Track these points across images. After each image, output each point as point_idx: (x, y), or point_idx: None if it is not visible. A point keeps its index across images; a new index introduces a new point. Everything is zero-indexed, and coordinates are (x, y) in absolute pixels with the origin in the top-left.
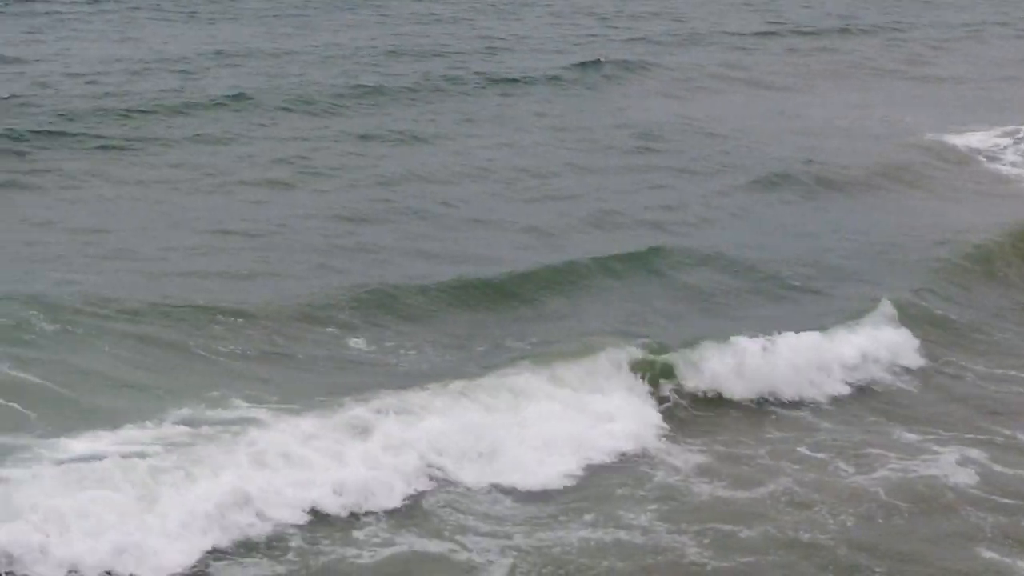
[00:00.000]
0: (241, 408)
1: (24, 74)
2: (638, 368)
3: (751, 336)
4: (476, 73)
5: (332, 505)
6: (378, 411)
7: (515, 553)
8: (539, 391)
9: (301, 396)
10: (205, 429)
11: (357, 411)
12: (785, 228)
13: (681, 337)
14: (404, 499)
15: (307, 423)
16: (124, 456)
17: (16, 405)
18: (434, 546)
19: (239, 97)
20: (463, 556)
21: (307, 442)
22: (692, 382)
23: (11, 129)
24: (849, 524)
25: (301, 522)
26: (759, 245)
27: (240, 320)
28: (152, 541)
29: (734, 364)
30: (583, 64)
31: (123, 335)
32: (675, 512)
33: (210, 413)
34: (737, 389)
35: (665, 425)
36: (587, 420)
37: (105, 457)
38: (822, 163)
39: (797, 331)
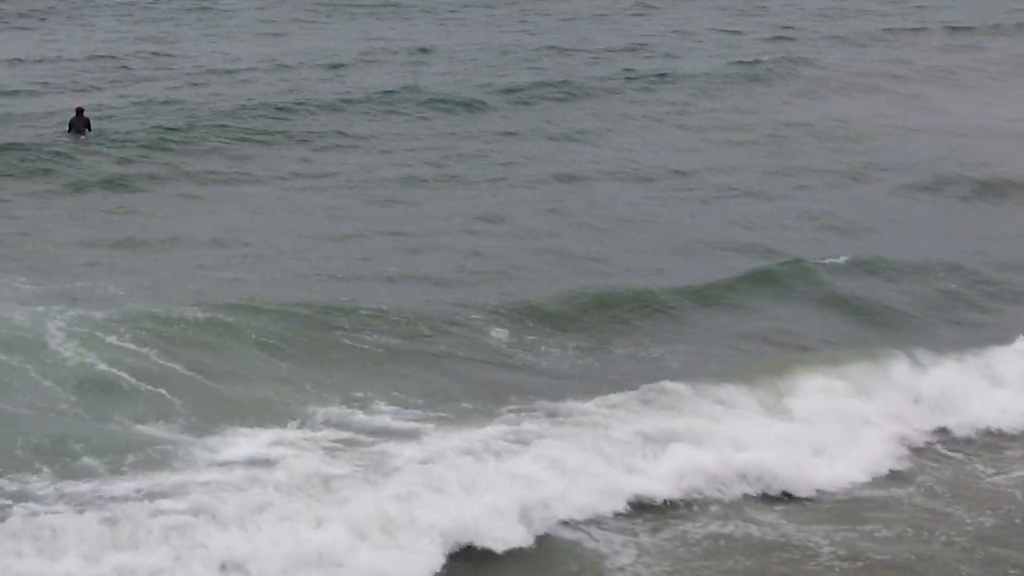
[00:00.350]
0: (384, 412)
1: (173, 71)
2: None
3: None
4: (625, 70)
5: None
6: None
7: None
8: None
9: (450, 400)
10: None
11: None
12: (950, 234)
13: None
14: None
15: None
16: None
17: (163, 391)
18: None
19: (387, 94)
20: None
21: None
22: None
23: (158, 126)
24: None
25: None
26: (929, 250)
27: (382, 320)
28: None
29: None
30: (739, 63)
31: (267, 331)
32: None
33: (362, 416)
34: None
35: None
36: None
37: (270, 459)
38: (982, 165)
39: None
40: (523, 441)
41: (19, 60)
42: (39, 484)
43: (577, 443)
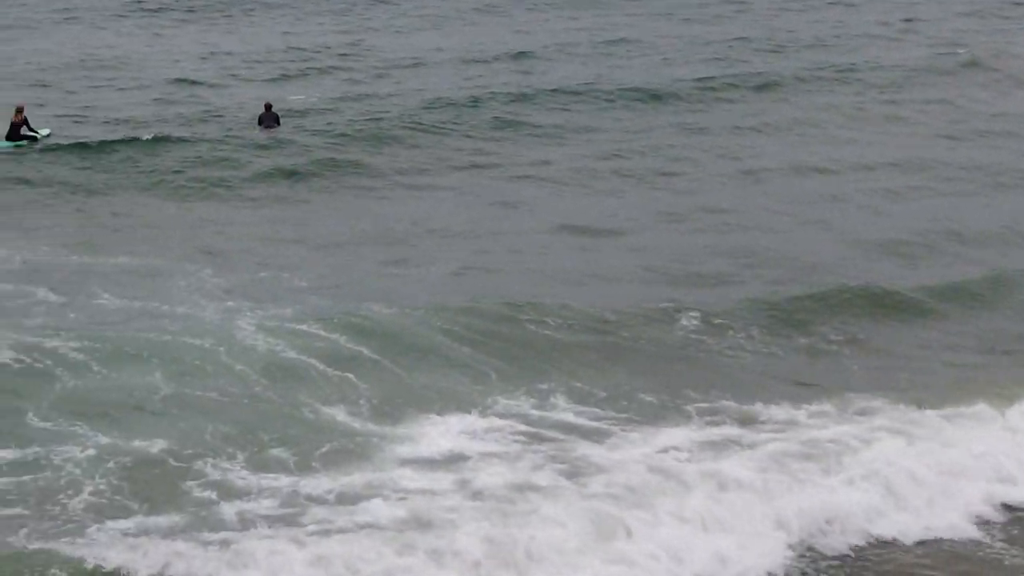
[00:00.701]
0: (564, 406)
1: (360, 64)
2: None
3: None
4: (832, 66)
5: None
6: None
7: None
8: None
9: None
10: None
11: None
12: None
13: None
14: None
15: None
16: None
17: (351, 376)
18: None
19: (582, 89)
20: None
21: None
22: None
23: (345, 120)
24: None
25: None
26: None
27: (566, 313)
28: None
29: None
30: (939, 55)
31: (452, 323)
32: None
33: (559, 409)
34: None
35: None
36: None
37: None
38: None
39: None
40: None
41: (211, 54)
42: (236, 475)
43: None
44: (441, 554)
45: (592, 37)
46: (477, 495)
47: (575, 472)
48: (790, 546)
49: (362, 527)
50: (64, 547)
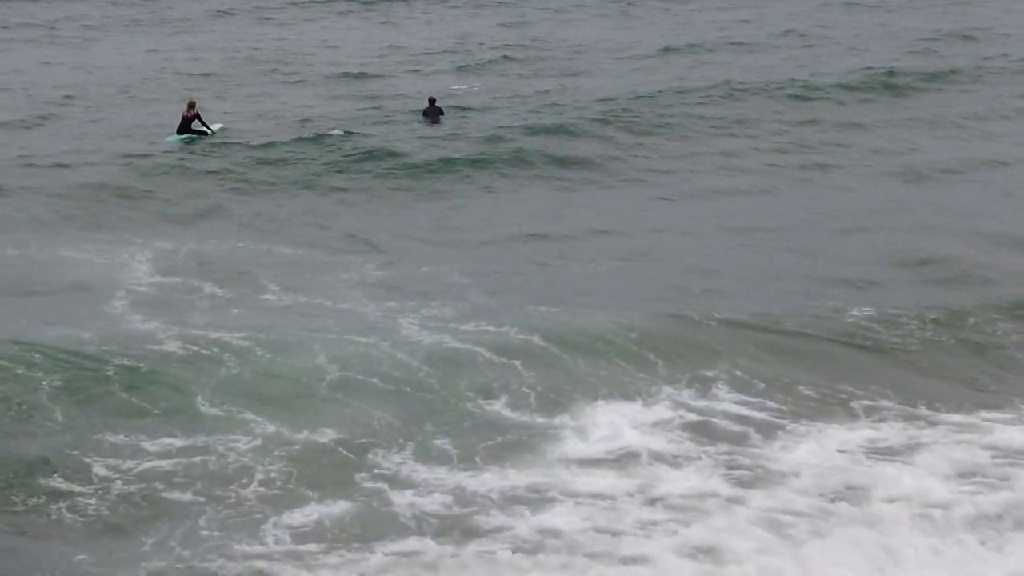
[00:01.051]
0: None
1: (525, 56)
2: None
3: None
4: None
5: None
6: None
7: None
8: None
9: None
10: None
11: None
12: None
13: None
14: None
15: None
16: None
17: (517, 363)
18: None
19: (749, 83)
20: None
21: None
22: None
23: (513, 113)
24: None
25: None
26: None
27: (733, 311)
28: None
29: None
30: None
31: (620, 316)
32: None
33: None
34: None
35: None
36: None
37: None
38: None
39: None
40: None
41: (376, 46)
42: (405, 467)
43: None
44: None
45: (773, 31)
46: (658, 503)
47: (754, 478)
48: None
49: (543, 533)
50: (244, 536)
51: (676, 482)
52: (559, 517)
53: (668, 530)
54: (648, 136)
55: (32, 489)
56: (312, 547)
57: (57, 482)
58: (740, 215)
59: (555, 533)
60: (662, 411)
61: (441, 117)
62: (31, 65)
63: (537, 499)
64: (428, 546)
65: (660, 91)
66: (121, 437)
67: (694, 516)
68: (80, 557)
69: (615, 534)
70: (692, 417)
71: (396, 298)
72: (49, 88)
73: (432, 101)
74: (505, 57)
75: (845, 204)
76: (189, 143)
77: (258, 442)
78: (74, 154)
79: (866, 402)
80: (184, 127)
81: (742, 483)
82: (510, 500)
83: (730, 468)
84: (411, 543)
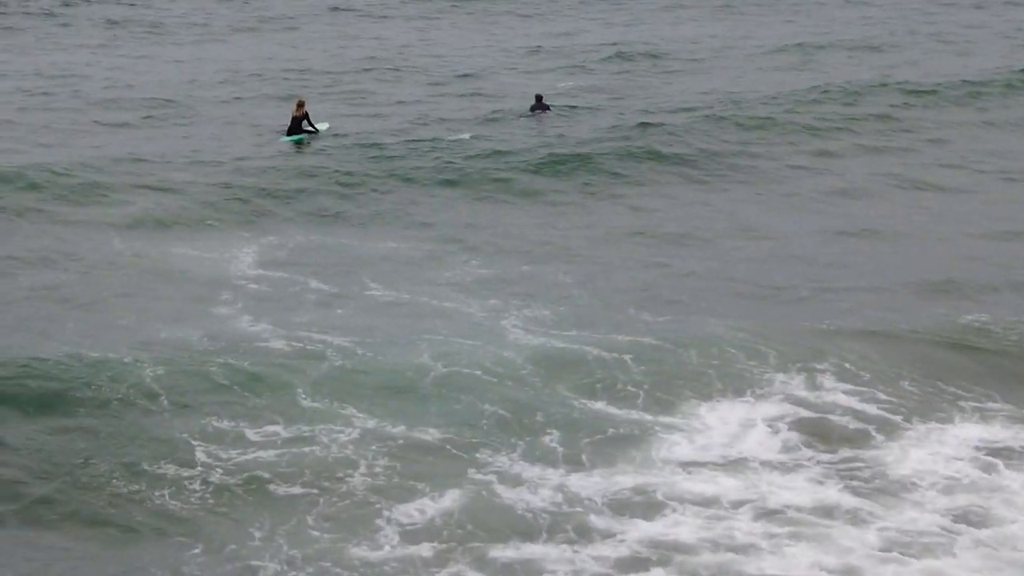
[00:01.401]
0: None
1: (629, 57)
2: None
3: None
4: None
5: None
6: None
7: None
8: None
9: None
10: None
11: None
12: None
13: None
14: None
15: None
16: None
17: (627, 357)
18: None
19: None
20: None
21: None
22: None
23: (623, 114)
24: None
25: None
26: None
27: (845, 307)
28: None
29: None
30: None
31: (728, 315)
32: None
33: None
34: None
35: None
36: None
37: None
38: None
39: None
40: None
41: (481, 46)
42: (513, 465)
43: None
44: None
45: (861, 34)
46: (774, 517)
47: (874, 489)
48: None
49: (656, 545)
50: (356, 536)
51: (794, 492)
52: (675, 527)
53: (788, 546)
54: (758, 131)
55: (135, 476)
56: (426, 550)
57: (165, 468)
58: (855, 219)
59: (672, 545)
60: (773, 409)
61: (548, 114)
62: (138, 64)
63: (644, 503)
64: (547, 552)
65: (779, 92)
66: (226, 423)
67: (817, 531)
68: (192, 552)
69: (736, 550)
70: (805, 414)
71: (500, 296)
72: (155, 86)
73: (539, 98)
74: (619, 55)
75: (979, 209)
76: (298, 143)
77: (358, 434)
78: (185, 154)
79: (973, 403)
80: (295, 127)
81: (860, 494)
82: (619, 503)
83: (847, 477)
84: (528, 548)
